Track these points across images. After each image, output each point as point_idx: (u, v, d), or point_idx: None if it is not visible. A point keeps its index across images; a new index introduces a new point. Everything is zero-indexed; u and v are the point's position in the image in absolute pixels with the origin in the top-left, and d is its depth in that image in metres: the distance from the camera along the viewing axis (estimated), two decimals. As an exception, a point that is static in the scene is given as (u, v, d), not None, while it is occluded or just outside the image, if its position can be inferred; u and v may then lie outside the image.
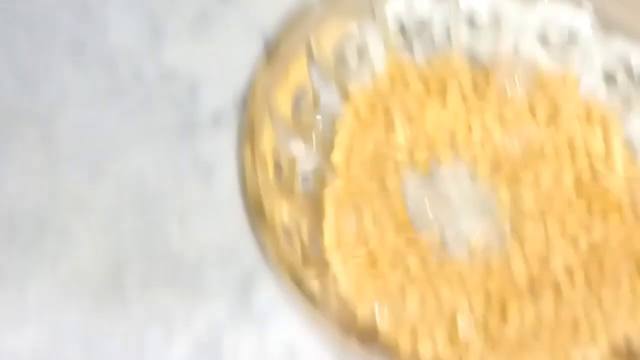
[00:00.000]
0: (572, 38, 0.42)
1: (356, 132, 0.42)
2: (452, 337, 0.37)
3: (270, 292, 0.40)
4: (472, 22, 0.43)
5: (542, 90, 0.42)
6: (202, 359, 0.40)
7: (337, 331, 0.35)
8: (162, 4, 0.47)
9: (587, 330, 0.37)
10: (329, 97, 0.42)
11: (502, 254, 0.39)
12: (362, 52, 0.42)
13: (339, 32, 0.41)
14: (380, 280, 0.39)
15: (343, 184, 0.41)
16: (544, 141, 0.41)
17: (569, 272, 0.38)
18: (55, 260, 0.42)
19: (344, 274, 0.39)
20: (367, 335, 0.37)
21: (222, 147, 0.39)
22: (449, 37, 0.43)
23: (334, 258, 0.39)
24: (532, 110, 0.42)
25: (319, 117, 0.41)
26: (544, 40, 0.42)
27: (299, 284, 0.36)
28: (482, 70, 0.43)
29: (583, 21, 0.41)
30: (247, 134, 0.38)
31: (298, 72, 0.41)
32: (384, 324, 0.38)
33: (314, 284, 0.37)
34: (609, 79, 0.42)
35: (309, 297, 0.36)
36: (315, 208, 0.40)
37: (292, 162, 0.40)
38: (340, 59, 0.42)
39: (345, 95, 0.42)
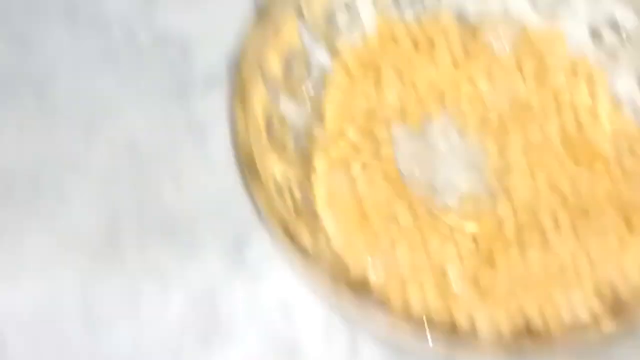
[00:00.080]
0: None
1: (346, 89, 0.42)
2: (442, 287, 0.38)
3: (263, 247, 0.40)
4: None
5: (529, 46, 0.43)
6: (197, 313, 0.40)
7: (330, 284, 0.36)
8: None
9: (573, 276, 0.38)
10: (319, 55, 0.42)
11: (491, 205, 0.40)
12: (352, 11, 0.43)
13: (328, -9, 0.42)
14: (370, 232, 0.39)
15: (333, 138, 0.41)
16: (531, 96, 0.42)
17: (556, 220, 0.39)
18: (52, 218, 0.42)
19: (335, 227, 0.39)
20: (359, 287, 0.38)
21: (215, 106, 0.39)
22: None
23: (324, 212, 0.40)
24: (519, 66, 0.42)
25: (309, 75, 0.42)
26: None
27: (291, 238, 0.36)
28: (470, 28, 0.43)
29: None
30: (239, 93, 0.39)
31: (288, 32, 0.41)
32: (375, 275, 0.38)
33: (306, 238, 0.38)
34: (595, 35, 0.42)
35: (302, 251, 0.36)
36: (306, 163, 0.41)
37: (283, 119, 0.41)
38: (330, 18, 0.42)
39: (335, 53, 0.43)
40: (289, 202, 0.39)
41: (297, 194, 0.40)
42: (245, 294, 0.41)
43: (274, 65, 0.41)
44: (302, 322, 0.40)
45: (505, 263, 0.38)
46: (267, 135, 0.39)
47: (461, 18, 0.43)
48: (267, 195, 0.37)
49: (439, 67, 0.43)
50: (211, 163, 0.43)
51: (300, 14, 0.41)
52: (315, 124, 0.41)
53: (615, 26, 0.42)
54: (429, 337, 0.35)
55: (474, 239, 0.39)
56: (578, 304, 0.37)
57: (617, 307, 0.36)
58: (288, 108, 0.41)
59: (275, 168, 0.39)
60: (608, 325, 0.36)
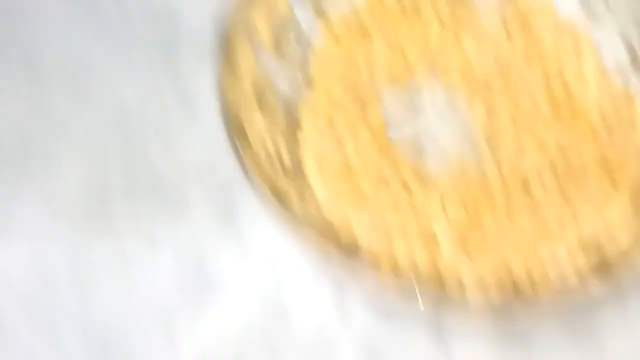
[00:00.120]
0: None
1: (334, 54, 0.42)
2: (430, 249, 0.38)
3: (252, 208, 0.40)
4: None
5: (516, 11, 0.43)
6: (185, 271, 0.40)
7: (317, 242, 0.36)
8: None
9: (558, 231, 0.38)
10: (307, 20, 0.42)
11: (477, 162, 0.40)
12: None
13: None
14: (359, 195, 0.39)
15: (320, 97, 0.41)
16: (518, 59, 0.42)
17: (542, 180, 0.39)
18: (41, 180, 0.42)
19: (324, 190, 0.40)
20: (348, 249, 0.38)
21: (204, 72, 0.39)
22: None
23: (313, 175, 0.40)
24: (507, 31, 0.43)
25: (297, 40, 0.42)
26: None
27: (278, 197, 0.37)
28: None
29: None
30: (227, 58, 0.39)
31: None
32: (361, 232, 0.38)
33: (295, 201, 0.38)
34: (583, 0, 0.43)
35: (289, 210, 0.37)
36: (295, 127, 0.41)
37: (271, 83, 0.41)
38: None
39: (323, 17, 0.43)
40: (278, 165, 0.39)
41: (286, 158, 0.40)
42: (234, 254, 0.41)
43: (262, 30, 0.41)
44: (291, 282, 0.40)
45: (493, 224, 0.39)
46: (255, 99, 0.40)
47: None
48: (255, 158, 0.38)
49: (426, 31, 0.43)
50: (200, 127, 0.43)
51: (287, -24, 0.42)
52: (303, 89, 0.42)
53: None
54: (418, 296, 0.35)
55: (462, 201, 0.39)
56: (564, 260, 0.37)
57: (602, 268, 0.37)
58: (276, 73, 0.41)
59: (264, 132, 0.39)
60: (594, 286, 0.36)
